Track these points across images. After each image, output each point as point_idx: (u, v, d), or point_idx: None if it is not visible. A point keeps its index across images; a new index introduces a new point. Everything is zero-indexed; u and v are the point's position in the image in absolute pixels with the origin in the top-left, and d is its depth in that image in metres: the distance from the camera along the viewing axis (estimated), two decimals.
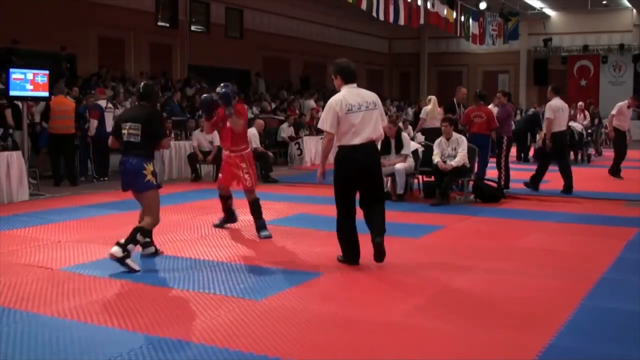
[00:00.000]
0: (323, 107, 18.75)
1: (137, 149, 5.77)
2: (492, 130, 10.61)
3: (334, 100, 5.54)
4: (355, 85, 5.64)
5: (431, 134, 11.59)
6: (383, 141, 9.87)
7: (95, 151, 12.09)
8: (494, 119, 10.57)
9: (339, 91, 5.68)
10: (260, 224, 7.07)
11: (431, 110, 12.76)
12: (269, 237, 6.92)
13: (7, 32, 15.44)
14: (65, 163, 11.65)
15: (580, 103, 20.98)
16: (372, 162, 5.67)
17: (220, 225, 7.53)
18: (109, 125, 12.27)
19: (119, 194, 10.29)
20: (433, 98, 13.18)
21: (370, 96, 5.64)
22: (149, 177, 5.76)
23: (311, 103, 20.22)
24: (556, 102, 10.76)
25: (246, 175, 7.04)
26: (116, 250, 5.49)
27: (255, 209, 7.10)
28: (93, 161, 12.14)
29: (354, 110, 5.49)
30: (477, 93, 10.85)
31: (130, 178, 5.81)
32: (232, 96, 6.79)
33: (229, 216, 7.58)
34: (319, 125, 5.73)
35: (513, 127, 11.96)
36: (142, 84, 6.30)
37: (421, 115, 12.82)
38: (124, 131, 5.84)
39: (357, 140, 5.50)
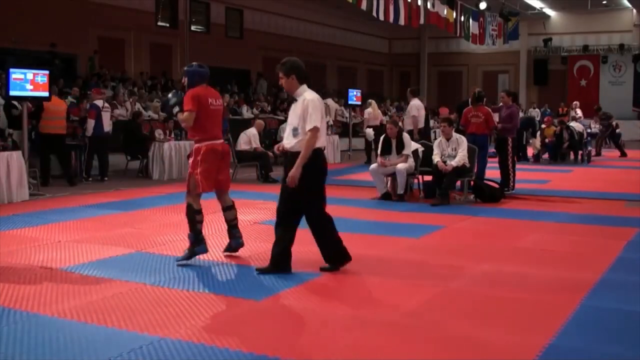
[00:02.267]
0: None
1: None
2: (490, 130, 10.62)
3: (317, 98, 5.29)
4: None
5: (376, 130, 14.31)
6: (384, 141, 9.90)
7: (92, 151, 12.08)
8: (492, 118, 10.57)
9: (290, 92, 5.41)
10: (189, 237, 5.93)
11: (372, 112, 15.81)
12: (184, 260, 5.83)
13: (7, 33, 15.45)
14: (60, 164, 11.65)
15: (575, 102, 21.01)
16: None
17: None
18: (107, 125, 12.28)
19: (119, 194, 10.33)
20: (372, 102, 16.41)
21: None
22: None
23: (332, 103, 20.14)
24: (418, 102, 13.28)
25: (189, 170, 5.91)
26: None
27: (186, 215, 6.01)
28: (87, 161, 12.13)
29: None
30: (475, 94, 10.86)
31: None
32: (172, 100, 6.11)
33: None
34: (314, 124, 5.19)
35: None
36: None
37: (365, 116, 14.71)
38: None
39: (320, 143, 5.36)
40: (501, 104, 11.30)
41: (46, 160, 11.48)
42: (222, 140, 5.99)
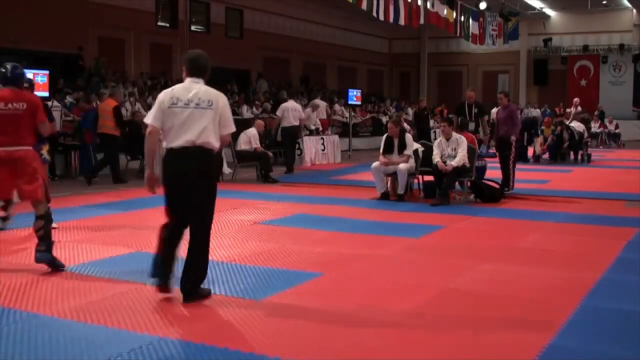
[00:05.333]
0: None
1: None
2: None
3: (163, 91, 4.81)
4: (200, 80, 4.77)
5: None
6: (386, 140, 9.91)
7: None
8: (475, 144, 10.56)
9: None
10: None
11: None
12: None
13: (7, 33, 15.46)
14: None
15: (576, 99, 21.03)
16: (191, 173, 4.62)
17: None
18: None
19: (119, 194, 10.34)
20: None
21: (208, 94, 4.69)
22: None
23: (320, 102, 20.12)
24: (287, 104, 14.40)
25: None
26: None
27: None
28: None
29: (178, 105, 4.62)
30: (458, 122, 10.95)
31: None
32: None
33: None
34: (144, 119, 4.91)
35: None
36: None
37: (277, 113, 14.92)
38: None
39: (176, 143, 4.60)
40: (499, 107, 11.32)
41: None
42: (15, 147, 5.50)
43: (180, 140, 4.58)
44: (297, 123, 14.37)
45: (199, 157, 4.60)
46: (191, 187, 4.63)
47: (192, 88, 4.70)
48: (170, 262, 4.73)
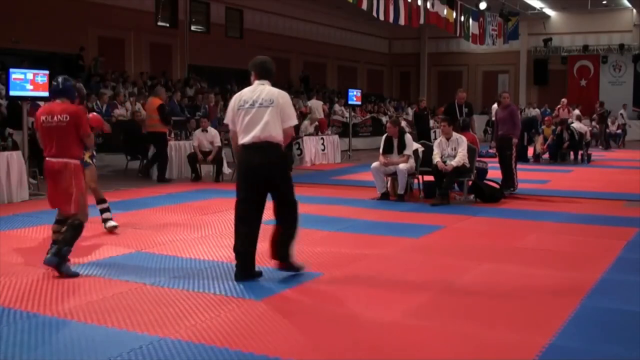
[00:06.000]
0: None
1: None
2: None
3: (234, 96, 5.44)
4: (266, 82, 5.35)
5: None
6: (386, 140, 9.91)
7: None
8: (477, 144, 10.58)
9: None
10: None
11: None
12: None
13: (7, 33, 15.46)
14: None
15: (563, 100, 21.08)
16: (264, 163, 5.20)
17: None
18: None
19: (119, 194, 10.33)
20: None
21: (270, 94, 5.25)
22: None
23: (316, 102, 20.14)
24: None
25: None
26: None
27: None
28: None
29: (245, 106, 5.22)
30: (460, 124, 10.97)
31: None
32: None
33: None
34: (224, 120, 5.68)
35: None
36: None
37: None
38: None
39: (245, 140, 5.20)
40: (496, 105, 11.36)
41: (42, 159, 11.51)
42: (57, 159, 5.62)
43: (248, 136, 5.17)
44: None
45: (266, 149, 5.17)
46: (262, 176, 5.22)
47: (257, 90, 5.27)
48: (245, 240, 5.33)
